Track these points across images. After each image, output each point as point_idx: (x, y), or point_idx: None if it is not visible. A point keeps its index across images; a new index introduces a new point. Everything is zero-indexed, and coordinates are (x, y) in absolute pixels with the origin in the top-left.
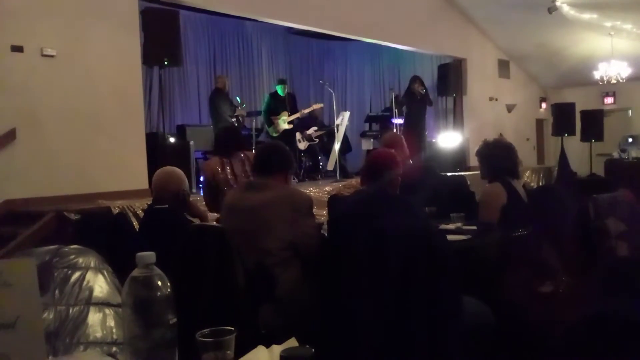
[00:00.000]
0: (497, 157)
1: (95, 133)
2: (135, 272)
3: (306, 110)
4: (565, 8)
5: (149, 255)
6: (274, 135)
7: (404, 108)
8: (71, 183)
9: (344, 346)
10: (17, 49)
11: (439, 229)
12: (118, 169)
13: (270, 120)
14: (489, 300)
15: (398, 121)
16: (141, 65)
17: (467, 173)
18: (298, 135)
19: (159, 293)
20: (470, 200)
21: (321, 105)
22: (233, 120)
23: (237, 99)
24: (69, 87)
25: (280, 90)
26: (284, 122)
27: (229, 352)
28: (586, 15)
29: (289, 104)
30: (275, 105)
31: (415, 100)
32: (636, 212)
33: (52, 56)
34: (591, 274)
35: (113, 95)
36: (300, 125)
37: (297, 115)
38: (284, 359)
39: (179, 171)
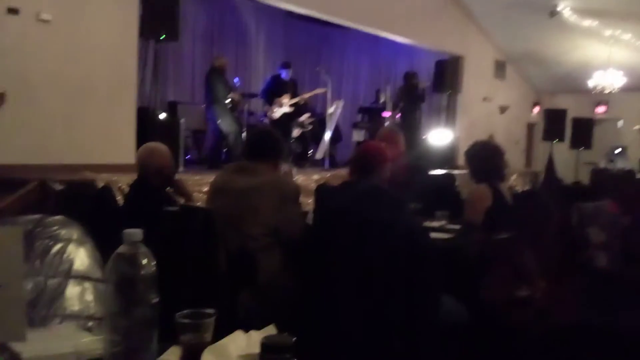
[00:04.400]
0: (482, 159)
1: (86, 103)
2: (121, 249)
3: (307, 95)
4: (567, 13)
5: (136, 233)
6: (274, 118)
7: (399, 104)
8: (58, 152)
9: (323, 335)
10: (13, 11)
11: (423, 226)
12: (106, 141)
13: (272, 101)
14: (465, 299)
15: (389, 114)
16: (137, 38)
17: (455, 172)
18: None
19: (143, 271)
20: (456, 199)
21: (324, 90)
22: (227, 101)
23: (236, 80)
24: (63, 54)
25: (284, 73)
26: (285, 105)
27: (207, 334)
28: (587, 22)
29: (291, 88)
30: (278, 88)
31: (410, 95)
32: (618, 223)
33: (47, 21)
34: (569, 282)
35: (107, 66)
36: (294, 111)
37: (298, 99)
38: (265, 346)
39: (163, 147)
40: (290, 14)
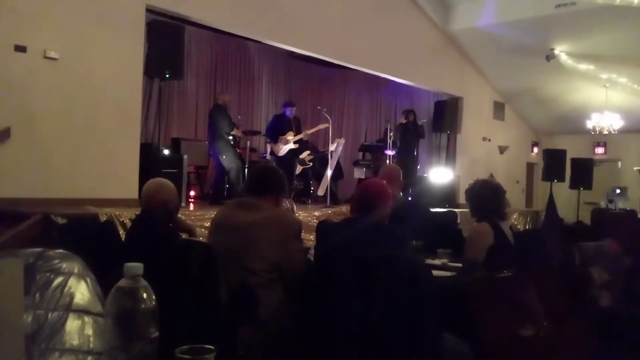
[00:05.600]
0: (483, 197)
1: (90, 139)
2: (122, 283)
3: (310, 131)
4: (563, 57)
5: (137, 267)
6: (280, 155)
7: (397, 141)
8: (61, 186)
9: None
10: (20, 48)
11: (425, 264)
12: (109, 176)
13: (277, 139)
14: (469, 339)
15: (391, 152)
16: (142, 76)
17: (456, 210)
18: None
19: (143, 305)
20: (457, 236)
21: (327, 125)
22: (230, 138)
23: (239, 117)
24: (69, 91)
25: (288, 111)
26: (290, 142)
27: None
28: (583, 66)
29: (295, 126)
30: (282, 125)
31: (409, 132)
32: (620, 263)
33: (54, 59)
34: (573, 321)
35: (112, 103)
36: (298, 148)
37: (302, 135)
38: None
39: (169, 183)
40: (292, 54)
